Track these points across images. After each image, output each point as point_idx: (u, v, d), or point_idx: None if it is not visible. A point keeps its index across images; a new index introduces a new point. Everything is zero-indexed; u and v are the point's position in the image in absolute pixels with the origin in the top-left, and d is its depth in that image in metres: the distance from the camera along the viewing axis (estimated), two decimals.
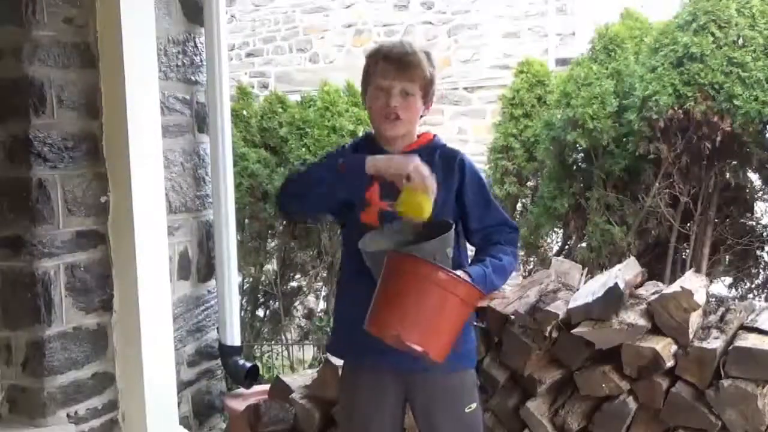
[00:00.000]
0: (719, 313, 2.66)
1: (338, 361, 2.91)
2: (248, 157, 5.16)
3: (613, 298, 2.52)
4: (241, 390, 3.42)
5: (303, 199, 2.07)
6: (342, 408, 2.33)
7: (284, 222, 5.35)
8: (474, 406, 2.11)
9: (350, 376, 2.21)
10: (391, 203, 1.96)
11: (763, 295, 4.71)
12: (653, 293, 2.65)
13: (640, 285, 2.80)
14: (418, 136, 2.13)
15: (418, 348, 1.82)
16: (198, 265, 3.32)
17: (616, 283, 2.53)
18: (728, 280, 4.77)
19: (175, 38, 3.16)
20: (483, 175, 2.13)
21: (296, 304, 5.78)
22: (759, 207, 4.78)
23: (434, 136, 2.16)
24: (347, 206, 2.07)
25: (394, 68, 2.00)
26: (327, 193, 2.02)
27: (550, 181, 4.82)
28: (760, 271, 4.77)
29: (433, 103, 2.13)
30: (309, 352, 5.48)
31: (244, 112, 5.45)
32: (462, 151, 2.17)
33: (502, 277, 2.03)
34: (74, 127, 2.60)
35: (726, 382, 2.36)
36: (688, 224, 4.50)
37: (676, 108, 4.18)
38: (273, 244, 5.56)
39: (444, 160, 2.08)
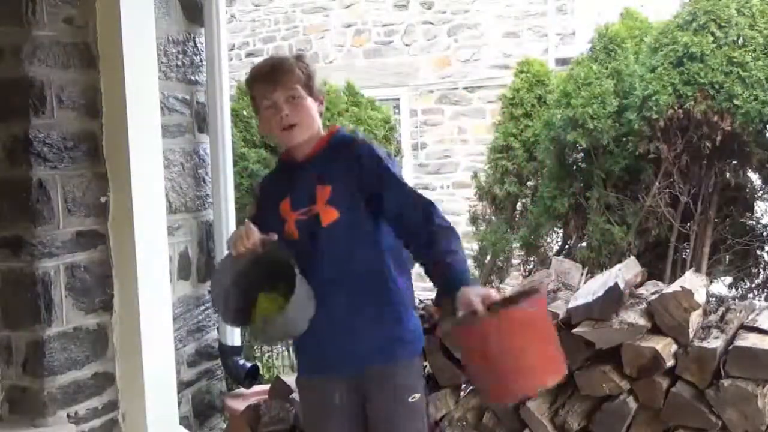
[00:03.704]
0: (719, 312, 2.66)
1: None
2: (248, 157, 5.16)
3: (613, 298, 2.52)
4: (242, 390, 3.42)
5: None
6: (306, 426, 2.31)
7: None
8: (418, 396, 2.08)
9: (305, 392, 2.22)
10: (305, 210, 2.01)
11: (763, 295, 4.71)
12: (653, 293, 2.65)
13: (640, 285, 2.80)
14: (327, 133, 2.12)
15: (546, 384, 1.88)
16: (198, 265, 3.32)
17: (616, 283, 2.53)
18: (728, 279, 4.77)
19: (175, 38, 3.16)
20: (382, 152, 2.07)
21: None
22: (759, 206, 4.78)
23: (337, 129, 2.16)
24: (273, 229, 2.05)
25: (272, 83, 2.04)
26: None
27: (550, 181, 4.82)
28: (760, 270, 4.77)
29: (323, 95, 2.15)
30: None
31: (244, 112, 5.45)
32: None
33: (466, 263, 2.02)
34: (74, 127, 2.60)
35: (726, 382, 2.36)
36: (688, 224, 4.50)
37: (676, 107, 4.19)
38: None
39: (344, 148, 2.07)
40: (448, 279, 1.90)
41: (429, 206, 1.99)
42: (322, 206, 2.01)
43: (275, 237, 1.98)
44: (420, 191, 2.09)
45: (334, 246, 2.02)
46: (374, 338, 2.04)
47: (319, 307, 1.99)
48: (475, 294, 1.80)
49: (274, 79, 2.04)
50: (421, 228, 1.96)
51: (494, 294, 1.83)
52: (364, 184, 2.01)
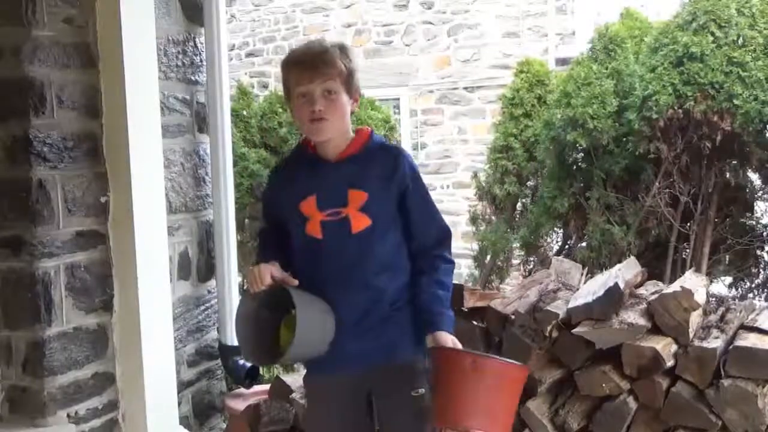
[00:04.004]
0: (719, 312, 2.66)
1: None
2: (248, 157, 5.16)
3: (613, 298, 2.52)
4: (241, 390, 3.42)
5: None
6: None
7: None
8: (422, 390, 2.04)
9: (312, 391, 2.21)
10: (333, 212, 1.97)
11: (763, 295, 4.71)
12: (653, 293, 2.65)
13: (640, 284, 2.80)
14: (355, 133, 2.06)
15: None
16: (198, 265, 3.32)
17: (616, 283, 2.53)
18: (728, 279, 4.77)
19: (175, 38, 3.16)
20: (417, 167, 2.08)
21: None
22: (759, 206, 4.78)
23: (370, 132, 2.09)
24: (289, 222, 2.05)
25: (310, 71, 1.94)
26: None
27: (550, 181, 4.82)
28: (760, 270, 4.77)
29: (359, 95, 2.05)
30: None
31: (244, 112, 5.45)
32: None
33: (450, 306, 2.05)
34: (74, 127, 2.60)
35: (726, 382, 2.36)
36: (688, 224, 4.50)
37: (676, 107, 4.19)
38: None
39: (384, 157, 2.02)
40: (433, 312, 1.98)
41: (445, 236, 2.05)
42: (354, 211, 1.97)
43: (295, 282, 1.97)
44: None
45: (360, 253, 1.98)
46: (382, 338, 2.02)
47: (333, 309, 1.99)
48: (450, 341, 1.93)
49: (313, 68, 1.94)
50: (429, 251, 2.03)
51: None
52: (402, 199, 2.00)
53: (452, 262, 2.05)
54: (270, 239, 2.15)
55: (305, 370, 2.21)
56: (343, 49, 2.00)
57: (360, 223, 1.97)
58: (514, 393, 1.92)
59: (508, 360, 2.00)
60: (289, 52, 2.06)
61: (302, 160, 2.09)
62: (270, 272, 1.95)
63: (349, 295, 1.99)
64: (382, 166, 2.00)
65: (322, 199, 1.99)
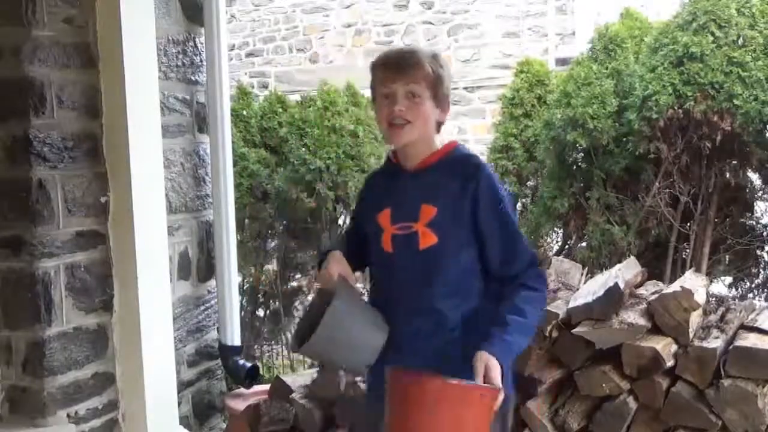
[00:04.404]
0: (719, 312, 2.66)
1: None
2: (248, 157, 5.15)
3: (613, 298, 2.52)
4: (242, 390, 3.42)
5: None
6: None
7: (284, 222, 5.35)
8: None
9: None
10: (404, 226, 1.88)
11: (763, 295, 4.71)
12: (653, 293, 2.65)
13: (640, 284, 2.80)
14: (444, 146, 1.94)
15: None
16: (198, 265, 3.32)
17: (616, 283, 2.53)
18: (728, 279, 4.76)
19: (175, 38, 3.16)
20: (502, 190, 1.88)
21: (296, 304, 5.78)
22: (759, 206, 4.78)
23: (456, 144, 1.97)
24: (368, 233, 1.99)
25: (394, 71, 1.87)
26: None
27: (550, 181, 4.82)
28: (760, 270, 4.76)
29: (448, 106, 1.94)
30: None
31: (244, 112, 5.45)
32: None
33: (526, 336, 1.83)
34: (74, 127, 2.60)
35: (726, 382, 2.36)
36: (688, 224, 4.50)
37: (676, 107, 4.18)
38: (273, 244, 5.56)
39: (461, 170, 1.88)
40: (490, 333, 1.79)
41: (529, 263, 1.87)
42: (423, 227, 1.86)
43: (352, 279, 1.91)
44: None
45: (426, 272, 1.87)
46: (440, 370, 1.81)
47: (391, 327, 1.89)
48: (483, 363, 1.71)
49: (398, 68, 1.87)
50: (509, 280, 1.86)
51: (495, 380, 1.70)
52: (476, 219, 1.85)
53: (538, 290, 1.86)
54: (350, 239, 2.10)
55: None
56: (434, 55, 1.92)
57: (427, 239, 1.86)
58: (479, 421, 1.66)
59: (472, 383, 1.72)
60: (379, 54, 1.98)
61: (387, 170, 2.03)
62: (334, 269, 1.89)
63: (412, 316, 1.89)
64: (457, 180, 1.86)
65: (396, 212, 1.92)
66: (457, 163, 1.90)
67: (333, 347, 1.85)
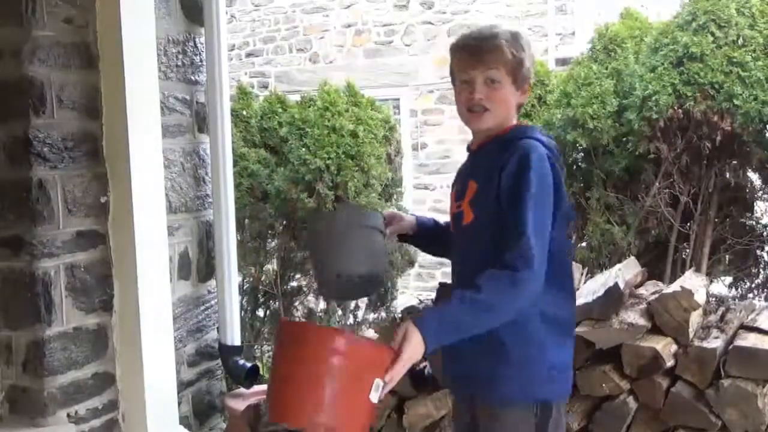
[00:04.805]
0: (719, 312, 2.66)
1: None
2: (248, 157, 5.15)
3: (613, 298, 2.52)
4: (241, 390, 3.42)
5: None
6: None
7: (284, 222, 5.35)
8: None
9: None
10: (458, 204, 1.91)
11: (763, 295, 4.71)
12: (653, 293, 2.65)
13: (640, 285, 2.80)
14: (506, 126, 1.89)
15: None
16: (198, 265, 3.32)
17: (616, 283, 2.53)
18: (728, 279, 4.77)
19: (175, 38, 3.16)
20: (539, 168, 1.75)
21: (296, 304, 5.78)
22: (759, 206, 4.78)
23: (516, 125, 1.91)
24: None
25: (472, 57, 1.84)
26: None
27: None
28: (760, 270, 4.76)
29: (529, 86, 1.92)
30: None
31: (244, 112, 5.44)
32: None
33: (478, 312, 1.68)
34: (74, 128, 2.60)
35: (726, 382, 2.36)
36: (688, 224, 4.50)
37: (676, 107, 4.18)
38: (273, 244, 5.56)
39: (503, 148, 1.82)
40: (431, 308, 1.82)
41: (517, 243, 1.69)
42: (466, 204, 1.87)
43: (399, 224, 2.08)
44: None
45: (465, 251, 1.88)
46: (475, 367, 1.83)
47: None
48: (402, 330, 1.65)
49: (477, 54, 1.84)
50: (496, 265, 1.70)
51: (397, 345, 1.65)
52: (498, 193, 1.78)
53: (512, 268, 1.68)
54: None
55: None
56: (515, 36, 1.87)
57: (467, 216, 1.86)
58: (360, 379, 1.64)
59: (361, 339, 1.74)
60: (458, 36, 1.95)
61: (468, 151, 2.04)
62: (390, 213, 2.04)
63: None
64: (497, 158, 1.80)
65: (457, 192, 1.95)
66: (507, 139, 1.86)
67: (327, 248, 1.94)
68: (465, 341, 1.72)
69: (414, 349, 1.64)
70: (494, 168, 1.79)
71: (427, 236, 2.18)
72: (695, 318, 2.51)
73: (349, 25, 9.55)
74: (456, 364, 1.90)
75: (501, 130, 1.88)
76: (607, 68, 4.59)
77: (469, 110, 1.87)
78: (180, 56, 3.19)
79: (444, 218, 2.16)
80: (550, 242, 1.76)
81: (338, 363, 1.62)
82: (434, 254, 2.25)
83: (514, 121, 1.93)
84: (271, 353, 5.50)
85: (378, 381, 1.63)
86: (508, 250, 1.70)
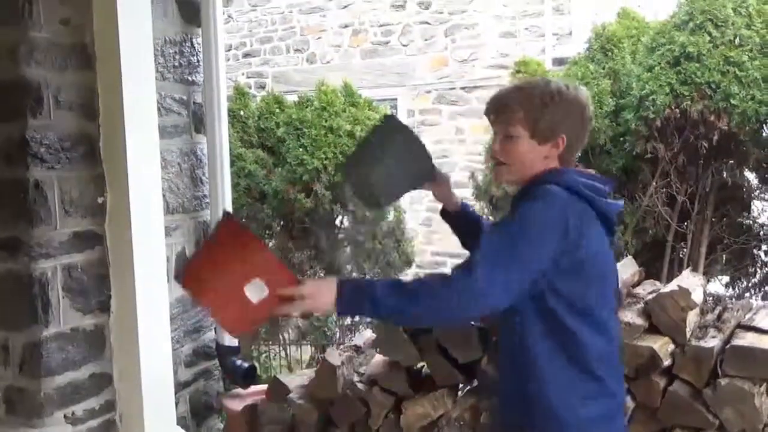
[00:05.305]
0: (716, 311, 2.66)
1: (336, 361, 2.92)
2: (245, 157, 5.16)
3: None
4: (239, 390, 3.42)
5: None
6: None
7: (282, 222, 5.35)
8: None
9: None
10: None
11: (760, 294, 4.72)
12: (650, 292, 2.66)
13: (638, 284, 2.80)
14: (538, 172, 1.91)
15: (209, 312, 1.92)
16: None
17: None
18: (725, 278, 4.78)
19: (172, 39, 3.16)
20: (527, 208, 1.79)
21: None
22: (756, 206, 4.80)
23: (547, 171, 1.89)
24: None
25: (490, 113, 1.95)
26: None
27: None
28: (757, 269, 4.78)
29: (557, 136, 1.86)
30: (306, 352, 5.48)
31: (242, 113, 5.45)
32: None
33: (396, 300, 1.71)
34: (71, 128, 2.60)
35: (723, 381, 2.36)
36: (686, 223, 4.51)
37: (672, 107, 4.20)
38: (270, 244, 5.56)
39: (523, 194, 1.90)
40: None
41: (471, 260, 1.73)
42: None
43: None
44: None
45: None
46: (513, 414, 1.91)
47: None
48: (320, 280, 1.83)
49: (494, 110, 1.94)
50: (445, 272, 1.77)
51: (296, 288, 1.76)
52: None
53: (445, 277, 1.73)
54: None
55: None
56: (532, 89, 1.89)
57: None
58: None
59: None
60: None
61: None
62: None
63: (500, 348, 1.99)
64: (517, 205, 1.87)
65: None
66: (531, 185, 1.88)
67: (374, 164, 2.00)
68: (507, 392, 1.89)
69: (320, 292, 1.75)
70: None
71: (465, 225, 2.26)
72: (692, 317, 2.52)
73: (346, 26, 9.55)
74: (502, 412, 1.98)
75: (532, 177, 1.90)
76: (604, 68, 4.61)
77: (492, 161, 1.97)
78: (177, 57, 3.19)
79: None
80: (555, 299, 1.76)
81: (232, 244, 1.81)
82: (464, 245, 2.27)
83: (537, 168, 1.90)
84: (267, 354, 5.50)
85: (260, 282, 1.75)
86: (465, 264, 1.74)
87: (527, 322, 1.79)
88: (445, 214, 2.30)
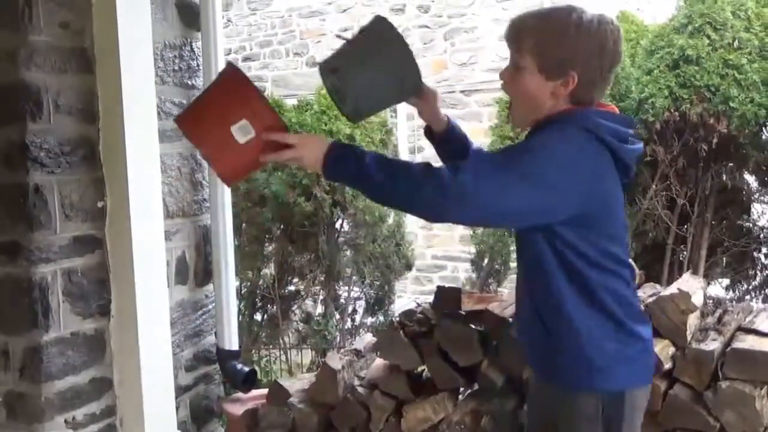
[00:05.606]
0: (717, 314, 2.66)
1: (337, 365, 2.91)
2: None
3: None
4: (239, 394, 3.42)
5: None
6: None
7: (281, 226, 5.35)
8: None
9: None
10: None
11: (760, 297, 4.72)
12: (651, 295, 2.65)
13: (638, 287, 2.80)
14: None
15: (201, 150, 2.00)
16: (195, 269, 3.31)
17: None
18: (725, 281, 4.78)
19: (172, 43, 3.16)
20: (554, 145, 1.64)
21: (294, 308, 5.78)
22: (756, 209, 4.80)
23: (565, 111, 1.72)
24: None
25: (507, 41, 1.76)
26: None
27: None
28: (757, 272, 4.78)
29: (568, 73, 1.67)
30: (307, 356, 5.48)
31: None
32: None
33: (384, 173, 1.66)
34: (71, 132, 2.60)
35: (724, 384, 2.36)
36: (685, 226, 4.51)
37: (672, 110, 4.20)
38: (270, 248, 5.56)
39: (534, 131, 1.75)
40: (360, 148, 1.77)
41: (471, 159, 1.84)
42: None
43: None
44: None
45: (517, 244, 1.83)
46: (540, 355, 1.86)
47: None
48: (312, 135, 1.79)
49: (508, 36, 1.75)
50: (431, 163, 1.67)
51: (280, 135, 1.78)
52: None
53: (426, 174, 1.62)
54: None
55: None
56: (552, 17, 1.70)
57: None
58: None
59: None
60: None
61: None
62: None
63: (519, 294, 1.89)
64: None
65: None
66: (544, 123, 1.72)
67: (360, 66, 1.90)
68: (532, 333, 1.81)
69: (310, 143, 1.78)
70: None
71: (452, 146, 2.08)
72: (693, 320, 2.52)
73: (345, 29, 9.55)
74: (530, 354, 1.93)
75: (543, 118, 1.74)
76: None
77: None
78: (177, 61, 3.19)
79: None
80: (570, 250, 1.68)
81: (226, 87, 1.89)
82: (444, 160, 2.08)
83: (549, 110, 1.73)
84: (268, 358, 5.49)
85: (246, 123, 1.80)
86: (464, 159, 1.74)
87: (550, 271, 1.71)
88: (429, 133, 2.13)
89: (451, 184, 1.59)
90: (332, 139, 1.79)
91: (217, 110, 1.86)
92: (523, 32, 1.71)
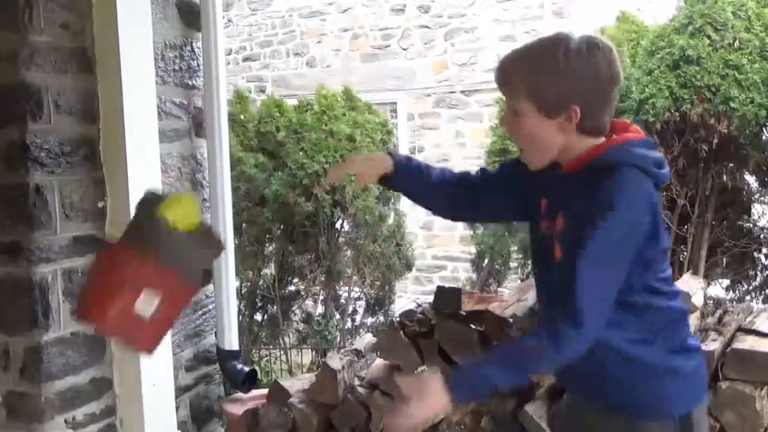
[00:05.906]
0: (717, 315, 2.67)
1: (337, 365, 2.91)
2: (245, 161, 5.16)
3: None
4: (240, 395, 3.42)
5: None
6: None
7: (282, 226, 5.35)
8: None
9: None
10: (548, 225, 1.68)
11: (760, 297, 4.72)
12: None
13: None
14: (591, 150, 1.63)
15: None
16: None
17: None
18: (726, 282, 4.78)
19: (172, 43, 3.16)
20: (624, 211, 1.54)
21: (294, 308, 5.78)
22: (756, 209, 4.80)
23: (606, 146, 1.63)
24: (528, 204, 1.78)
25: (498, 87, 1.70)
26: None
27: None
28: (758, 273, 4.78)
29: (568, 108, 1.58)
30: (307, 356, 5.47)
31: (242, 117, 5.45)
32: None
33: (509, 372, 1.58)
34: (71, 133, 2.60)
35: (724, 384, 2.36)
36: (686, 226, 4.51)
37: (672, 110, 4.20)
38: (271, 248, 5.56)
39: (595, 179, 1.57)
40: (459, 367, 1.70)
41: (568, 309, 1.53)
42: (556, 235, 1.65)
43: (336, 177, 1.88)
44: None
45: (552, 289, 1.66)
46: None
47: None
48: (424, 382, 1.58)
49: (498, 83, 1.68)
50: (542, 317, 1.63)
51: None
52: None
53: (550, 344, 1.55)
54: (482, 173, 1.94)
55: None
56: (536, 54, 1.63)
57: (557, 252, 1.64)
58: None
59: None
60: None
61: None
62: (342, 170, 1.95)
63: None
64: (585, 194, 1.57)
65: (549, 207, 1.71)
66: (596, 169, 1.59)
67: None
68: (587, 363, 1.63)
69: (425, 393, 1.55)
70: (583, 201, 1.56)
71: (412, 185, 1.92)
72: (693, 321, 2.52)
73: (346, 30, 9.56)
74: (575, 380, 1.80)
75: (584, 153, 1.63)
76: None
77: None
78: (177, 61, 3.19)
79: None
80: (632, 288, 1.60)
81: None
82: (422, 205, 1.97)
83: (584, 142, 1.64)
84: (268, 358, 5.49)
85: (149, 291, 1.64)
86: (560, 306, 1.57)
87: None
88: (383, 180, 1.92)
89: (581, 335, 1.54)
90: (443, 375, 1.57)
91: (112, 291, 1.68)
92: (513, 77, 1.64)
